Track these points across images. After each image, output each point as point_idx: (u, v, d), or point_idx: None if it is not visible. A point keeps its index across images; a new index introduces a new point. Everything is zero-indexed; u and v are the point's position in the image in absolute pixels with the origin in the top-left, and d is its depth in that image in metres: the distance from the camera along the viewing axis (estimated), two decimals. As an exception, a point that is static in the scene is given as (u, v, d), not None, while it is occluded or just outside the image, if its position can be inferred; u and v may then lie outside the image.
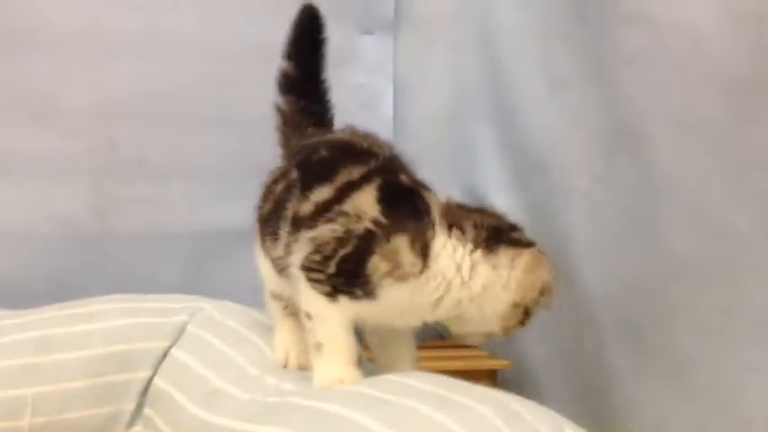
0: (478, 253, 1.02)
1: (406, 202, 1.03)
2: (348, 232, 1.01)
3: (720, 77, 1.11)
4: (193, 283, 1.40)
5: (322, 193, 1.03)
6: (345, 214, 1.02)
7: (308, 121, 1.18)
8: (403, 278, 1.00)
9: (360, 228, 1.01)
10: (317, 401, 0.97)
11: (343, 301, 1.01)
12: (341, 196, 1.03)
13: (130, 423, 1.27)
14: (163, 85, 1.58)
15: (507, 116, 1.56)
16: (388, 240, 1.00)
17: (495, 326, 1.05)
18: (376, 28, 1.79)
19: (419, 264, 1.00)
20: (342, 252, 1.01)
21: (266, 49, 1.67)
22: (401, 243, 1.00)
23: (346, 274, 1.01)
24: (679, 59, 1.17)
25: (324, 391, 1.01)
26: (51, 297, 1.36)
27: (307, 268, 1.02)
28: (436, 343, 1.57)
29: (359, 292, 1.01)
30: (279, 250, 1.08)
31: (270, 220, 1.11)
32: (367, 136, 1.12)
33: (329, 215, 1.02)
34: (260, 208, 1.15)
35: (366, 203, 1.02)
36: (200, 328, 1.32)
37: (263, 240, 1.13)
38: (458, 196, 1.54)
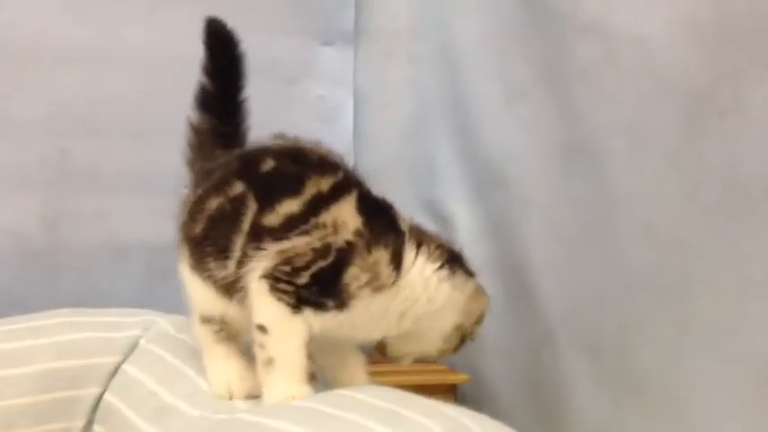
0: (443, 272, 1.05)
1: (382, 215, 1.04)
2: (326, 245, 1.00)
3: (674, 89, 1.12)
4: (147, 297, 1.38)
5: (291, 206, 1.02)
6: (322, 226, 1.01)
7: (217, 142, 1.15)
8: (379, 290, 1.01)
9: (339, 240, 1.00)
10: (265, 418, 0.96)
11: (307, 313, 1.00)
12: (314, 208, 1.01)
13: (79, 441, 1.24)
14: (116, 96, 1.56)
15: (467, 129, 1.56)
16: (369, 252, 1.01)
17: (434, 347, 1.09)
18: (336, 39, 1.78)
19: (394, 276, 1.01)
20: (320, 263, 0.99)
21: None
22: (381, 255, 1.01)
23: (321, 284, 0.99)
24: (633, 71, 1.18)
25: (274, 407, 1.00)
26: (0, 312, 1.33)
27: (273, 278, 1.00)
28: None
29: (330, 303, 1.00)
30: (228, 268, 1.04)
31: (208, 239, 1.07)
32: (310, 142, 1.10)
33: (304, 227, 1.01)
34: (187, 227, 1.09)
35: (347, 215, 1.02)
36: (152, 343, 1.30)
37: (199, 261, 1.07)
38: (418, 209, 1.55)
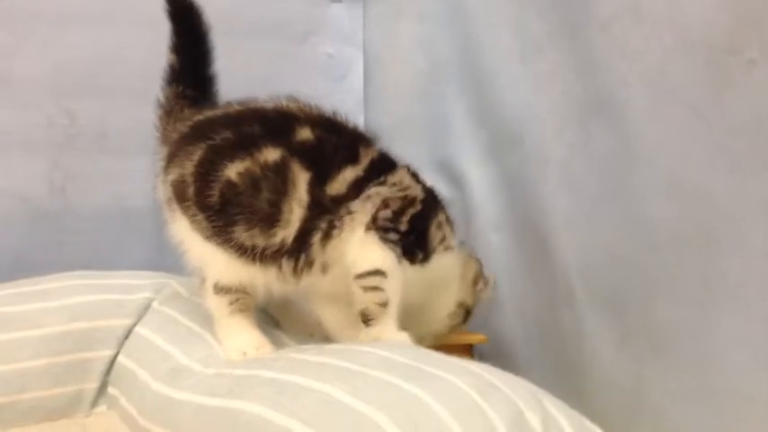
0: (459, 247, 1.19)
1: (428, 187, 1.16)
2: (408, 196, 1.10)
3: (698, 40, 1.08)
4: (157, 261, 1.36)
5: (353, 172, 1.09)
6: (393, 184, 1.10)
7: (184, 103, 1.17)
8: (447, 249, 1.14)
9: (420, 194, 1.12)
10: (284, 374, 0.95)
11: (404, 263, 1.09)
12: (377, 172, 1.10)
13: (94, 402, 1.24)
14: (124, 57, 1.53)
15: (480, 87, 1.52)
16: (436, 214, 1.13)
17: (442, 324, 1.21)
18: (345, -4, 1.75)
19: (452, 238, 1.15)
20: (412, 210, 1.10)
21: (232, 20, 1.65)
22: (443, 218, 1.14)
23: (417, 232, 1.10)
24: (655, 23, 1.14)
25: (293, 363, 0.99)
26: (9, 276, 1.32)
27: (382, 228, 1.08)
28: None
29: (420, 255, 1.10)
30: (276, 236, 1.06)
31: (236, 206, 1.06)
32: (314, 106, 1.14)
33: (377, 181, 1.09)
34: (197, 193, 1.08)
35: (407, 181, 1.13)
36: (165, 305, 1.29)
37: (221, 229, 1.07)
38: (430, 169, 1.53)
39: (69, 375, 1.21)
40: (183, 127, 1.13)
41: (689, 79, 1.10)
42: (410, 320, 1.14)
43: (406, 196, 1.10)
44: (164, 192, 1.14)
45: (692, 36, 1.10)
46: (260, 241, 1.06)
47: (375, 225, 1.07)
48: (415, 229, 1.10)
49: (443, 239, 1.13)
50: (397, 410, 0.81)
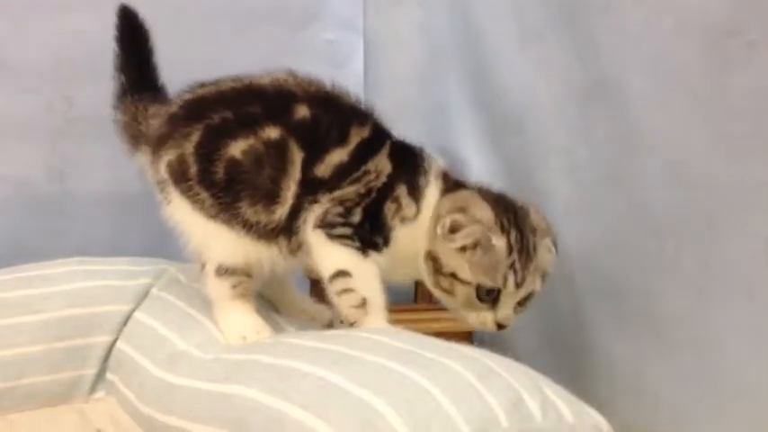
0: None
1: (407, 157, 1.12)
2: (369, 189, 1.07)
3: (697, 23, 1.08)
4: (155, 247, 1.35)
5: (339, 155, 1.07)
6: (368, 173, 1.07)
7: (144, 104, 1.18)
8: (403, 221, 1.08)
9: (379, 183, 1.08)
10: (283, 359, 0.94)
11: (372, 255, 1.06)
12: (362, 157, 1.08)
13: (92, 388, 1.24)
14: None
15: (480, 73, 1.52)
16: (393, 188, 1.08)
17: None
18: (345, -19, 1.73)
19: (414, 207, 1.08)
20: (366, 200, 1.07)
21: (232, 7, 1.64)
22: (401, 189, 1.08)
23: (371, 218, 1.06)
24: (655, 6, 1.14)
25: (290, 348, 0.99)
26: (8, 262, 1.31)
27: (330, 224, 1.05)
28: (410, 306, 1.55)
29: (380, 241, 1.07)
30: (276, 213, 1.07)
31: (241, 183, 1.07)
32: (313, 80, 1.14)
33: (355, 175, 1.07)
34: (205, 174, 1.07)
35: (384, 162, 1.09)
36: (164, 291, 1.28)
37: (228, 207, 1.07)
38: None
39: (68, 361, 1.21)
40: (170, 109, 1.13)
41: (689, 63, 1.10)
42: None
43: (367, 189, 1.08)
44: (154, 174, 1.13)
45: (691, 19, 1.09)
46: (263, 217, 1.07)
47: (322, 222, 1.06)
48: (368, 215, 1.07)
49: (398, 211, 1.08)
50: (394, 395, 0.80)
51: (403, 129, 1.64)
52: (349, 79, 1.72)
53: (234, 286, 1.10)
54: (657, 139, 1.14)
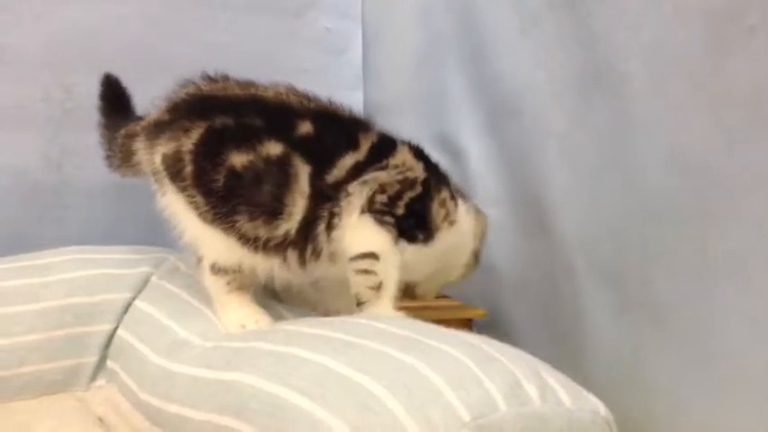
0: (464, 202, 1.18)
1: (430, 161, 1.15)
2: (407, 178, 1.09)
3: (696, 8, 1.07)
4: (155, 236, 1.35)
5: (353, 158, 1.08)
6: (395, 166, 1.09)
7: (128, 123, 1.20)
8: (452, 224, 1.13)
9: (418, 176, 1.11)
10: (282, 346, 0.94)
11: (402, 244, 1.09)
12: (378, 155, 1.10)
13: (93, 377, 1.24)
14: (121, 31, 1.52)
15: (479, 60, 1.51)
16: (438, 190, 1.12)
17: (457, 274, 1.21)
18: (342, -32, 1.73)
19: (455, 211, 1.14)
20: (410, 193, 1.09)
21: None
22: (445, 193, 1.13)
23: (415, 215, 1.09)
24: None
25: (290, 335, 0.99)
26: (6, 251, 1.32)
27: (378, 211, 1.07)
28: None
29: (420, 236, 1.10)
30: (279, 228, 1.06)
31: (238, 198, 1.06)
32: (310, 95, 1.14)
33: (378, 165, 1.09)
34: (203, 179, 1.06)
35: (409, 160, 1.12)
36: (164, 280, 1.29)
37: (223, 217, 1.06)
38: (429, 143, 1.51)
39: (68, 349, 1.21)
40: (173, 98, 1.13)
41: (688, 48, 1.09)
42: (428, 281, 1.19)
43: (405, 179, 1.09)
44: (149, 162, 1.13)
45: (690, 4, 1.08)
46: (263, 233, 1.06)
47: (371, 208, 1.07)
48: (413, 212, 1.09)
49: (447, 216, 1.13)
50: (393, 380, 0.80)
51: (401, 116, 1.65)
52: (347, 67, 1.73)
53: (229, 282, 1.11)
54: (656, 125, 1.14)
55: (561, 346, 1.31)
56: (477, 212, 1.21)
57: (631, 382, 1.18)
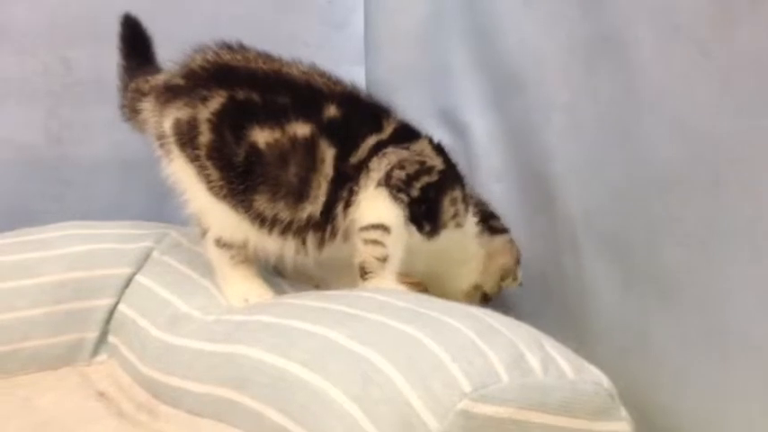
0: (477, 228, 1.19)
1: (450, 161, 1.15)
2: (426, 163, 1.10)
3: (704, -24, 1.05)
4: (157, 210, 1.35)
5: (376, 138, 1.09)
6: (414, 151, 1.10)
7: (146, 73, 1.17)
8: (459, 226, 1.14)
9: (436, 164, 1.12)
10: (284, 318, 0.94)
11: (411, 229, 1.09)
12: (400, 138, 1.11)
13: (94, 351, 1.23)
14: (121, 4, 1.49)
15: (482, 32, 1.49)
16: (452, 188, 1.13)
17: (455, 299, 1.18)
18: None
19: (465, 216, 1.15)
20: (426, 179, 1.09)
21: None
22: (459, 194, 1.14)
23: (427, 202, 1.09)
24: (660, -42, 1.11)
25: (292, 307, 0.98)
26: (6, 225, 1.31)
27: (394, 186, 1.07)
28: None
29: (426, 228, 1.10)
30: (304, 210, 1.05)
31: (259, 176, 1.04)
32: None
33: (400, 145, 1.09)
34: (220, 152, 1.04)
35: (429, 151, 1.13)
36: (166, 255, 1.28)
37: (238, 194, 1.05)
38: (432, 119, 1.50)
39: (69, 324, 1.21)
40: (189, 63, 1.11)
41: (694, 16, 1.07)
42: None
43: (423, 162, 1.10)
44: (155, 124, 1.10)
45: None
46: (285, 215, 1.05)
47: (387, 182, 1.07)
48: (427, 198, 1.09)
49: (455, 215, 1.13)
50: (395, 351, 0.80)
51: (403, 91, 1.63)
52: (349, 40, 1.71)
53: (233, 256, 1.10)
54: (662, 95, 1.12)
55: (566, 319, 1.30)
56: (507, 249, 1.26)
57: (637, 354, 1.17)
